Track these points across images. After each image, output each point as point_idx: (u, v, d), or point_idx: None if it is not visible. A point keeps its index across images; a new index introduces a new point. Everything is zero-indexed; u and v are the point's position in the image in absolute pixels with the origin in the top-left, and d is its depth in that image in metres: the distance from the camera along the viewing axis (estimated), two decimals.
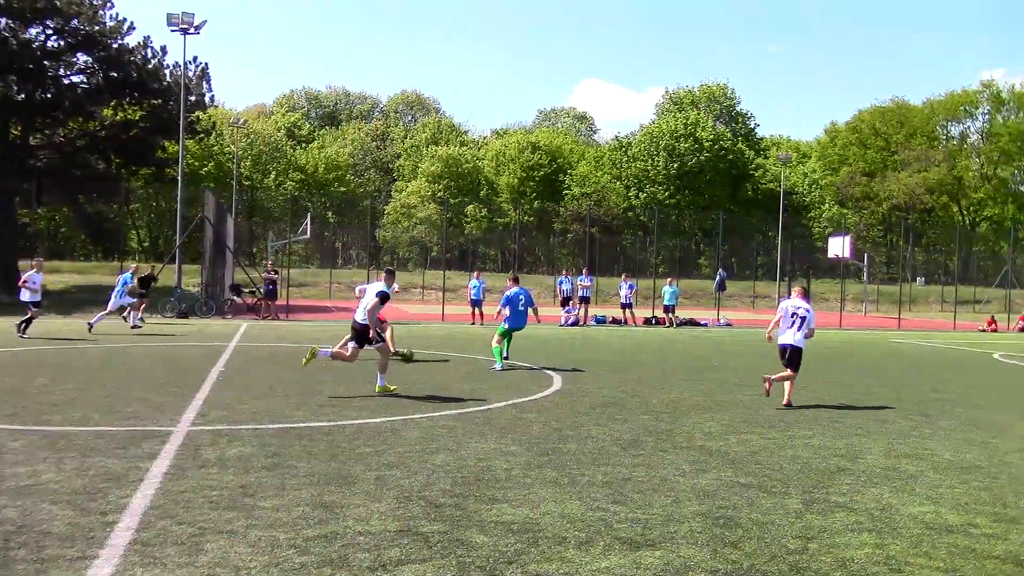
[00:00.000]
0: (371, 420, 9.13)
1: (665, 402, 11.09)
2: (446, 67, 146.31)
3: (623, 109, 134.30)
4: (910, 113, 79.78)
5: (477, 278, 28.41)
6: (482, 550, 5.09)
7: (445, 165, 73.40)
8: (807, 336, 11.07)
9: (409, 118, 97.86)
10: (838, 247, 42.97)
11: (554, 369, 14.54)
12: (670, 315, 29.13)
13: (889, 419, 10.27)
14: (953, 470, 7.54)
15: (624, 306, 29.77)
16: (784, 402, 11.02)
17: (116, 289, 21.18)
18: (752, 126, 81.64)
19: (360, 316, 10.85)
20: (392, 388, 10.98)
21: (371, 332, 10.82)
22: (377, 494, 6.20)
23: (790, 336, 11.16)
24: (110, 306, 20.97)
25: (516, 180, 73.58)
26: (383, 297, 10.74)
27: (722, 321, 32.23)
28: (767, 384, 11.20)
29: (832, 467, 7.48)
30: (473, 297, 27.68)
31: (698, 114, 73.21)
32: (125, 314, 22.23)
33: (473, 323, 26.87)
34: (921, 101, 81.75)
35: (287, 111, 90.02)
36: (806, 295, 11.51)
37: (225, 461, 7.03)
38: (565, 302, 29.27)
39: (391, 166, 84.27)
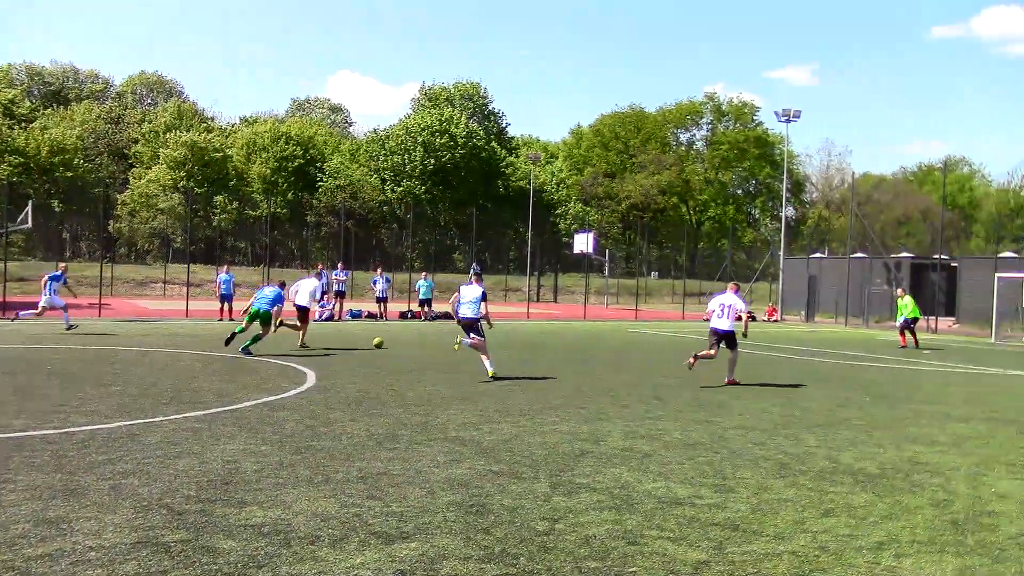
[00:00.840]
0: (104, 426, 8.40)
1: (420, 395, 11.18)
2: (190, 49, 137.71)
3: (379, 103, 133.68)
4: (646, 120, 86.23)
5: (226, 272, 27.06)
6: (230, 556, 4.84)
7: (190, 152, 69.09)
8: (737, 319, 13.56)
9: (149, 101, 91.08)
10: (583, 243, 45.54)
11: (308, 365, 14.18)
12: (425, 309, 29.39)
13: (628, 403, 11.03)
14: (681, 447, 8.23)
15: (379, 300, 29.66)
16: (728, 380, 13.48)
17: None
18: (504, 125, 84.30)
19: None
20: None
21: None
22: (111, 505, 5.71)
23: (723, 323, 13.56)
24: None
25: (268, 170, 70.89)
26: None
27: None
28: (692, 360, 13.61)
29: (577, 451, 7.90)
30: (222, 292, 26.34)
31: (452, 111, 74.41)
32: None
33: (221, 319, 25.57)
34: (655, 109, 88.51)
35: (3, 86, 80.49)
36: (737, 290, 14.12)
37: None
38: (320, 297, 28.66)
39: (127, 151, 77.98)
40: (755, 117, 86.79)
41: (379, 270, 30.95)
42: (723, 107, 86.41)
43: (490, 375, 13.03)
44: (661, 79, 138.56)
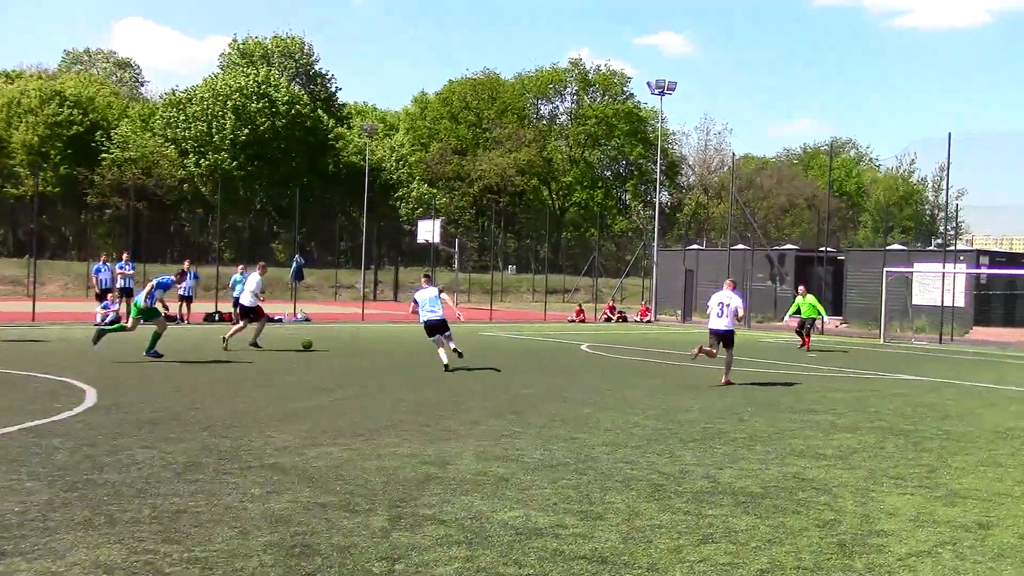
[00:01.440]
0: None
1: (231, 413, 10.87)
2: None
3: (178, 58, 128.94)
4: (502, 88, 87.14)
5: None
6: None
7: None
8: (737, 318, 15.86)
9: None
10: (428, 231, 45.57)
11: (87, 379, 13.51)
12: (238, 310, 28.61)
13: (480, 419, 11.11)
14: (543, 469, 8.36)
15: (183, 299, 28.62)
16: (723, 381, 15.57)
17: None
18: (333, 90, 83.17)
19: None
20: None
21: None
22: None
23: (722, 322, 15.75)
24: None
25: (36, 138, 66.94)
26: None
27: (299, 316, 32.46)
28: (696, 351, 15.82)
29: (421, 476, 7.88)
30: None
31: (270, 71, 72.69)
32: None
33: None
34: (512, 76, 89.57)
35: None
36: (735, 286, 16.50)
37: None
38: (103, 295, 27.38)
39: None
40: (625, 88, 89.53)
41: (186, 263, 29.88)
42: (589, 76, 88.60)
43: (446, 363, 16.42)
44: (519, 42, 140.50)
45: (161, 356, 16.88)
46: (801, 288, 27.80)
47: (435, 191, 75.61)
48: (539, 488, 7.63)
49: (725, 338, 15.88)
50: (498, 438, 9.87)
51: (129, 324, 17.70)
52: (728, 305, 15.84)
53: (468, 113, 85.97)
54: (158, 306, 17.32)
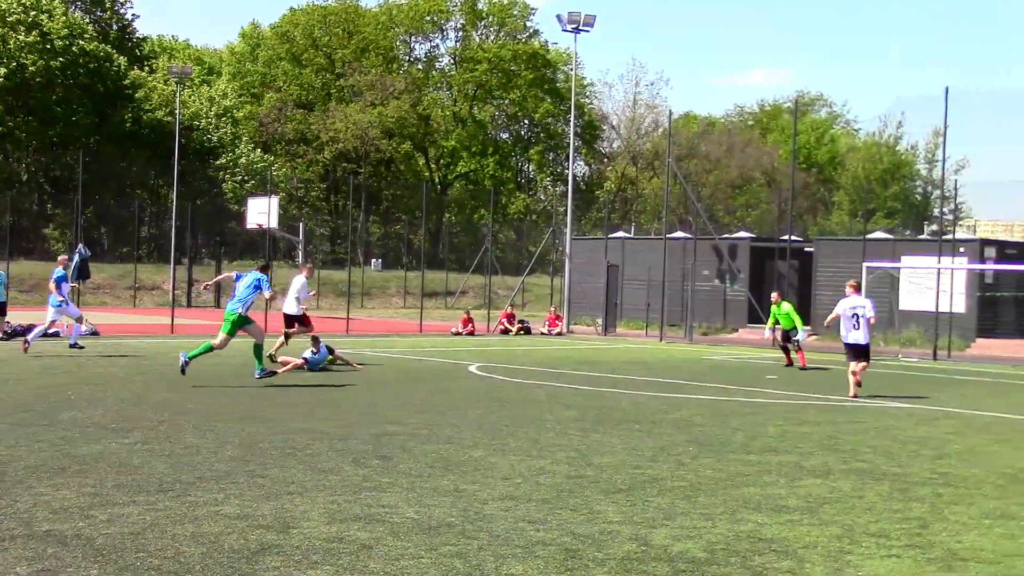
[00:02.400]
0: None
1: None
2: None
3: None
4: (362, 20, 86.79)
5: None
6: None
7: None
8: (870, 324, 20.00)
9: None
10: (261, 213, 45.05)
11: None
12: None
13: (333, 467, 11.03)
14: (418, 533, 8.34)
15: None
16: (852, 394, 19.79)
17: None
18: (129, 19, 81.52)
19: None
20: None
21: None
22: None
23: (860, 335, 19.92)
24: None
25: None
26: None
27: (85, 327, 31.71)
28: (853, 389, 19.96)
29: (253, 546, 7.79)
30: None
31: None
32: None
33: None
34: (376, 3, 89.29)
35: None
36: (858, 289, 20.50)
37: None
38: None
39: None
40: (528, 23, 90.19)
41: None
42: (480, 4, 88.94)
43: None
44: None
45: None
46: (775, 295, 28.52)
47: (271, 158, 74.82)
48: (413, 558, 7.61)
49: (865, 353, 20.16)
50: (358, 491, 9.82)
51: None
52: (863, 316, 19.89)
53: (316, 53, 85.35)
54: None
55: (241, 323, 19.30)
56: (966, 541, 8.66)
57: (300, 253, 52.44)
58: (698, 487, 10.58)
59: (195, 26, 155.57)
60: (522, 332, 40.03)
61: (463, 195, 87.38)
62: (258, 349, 19.41)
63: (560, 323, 41.62)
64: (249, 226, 47.92)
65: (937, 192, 54.18)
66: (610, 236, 46.85)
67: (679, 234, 47.82)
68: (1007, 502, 10.37)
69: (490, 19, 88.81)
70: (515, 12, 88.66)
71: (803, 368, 26.57)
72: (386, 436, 13.31)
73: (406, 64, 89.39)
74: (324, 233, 75.93)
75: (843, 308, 20.07)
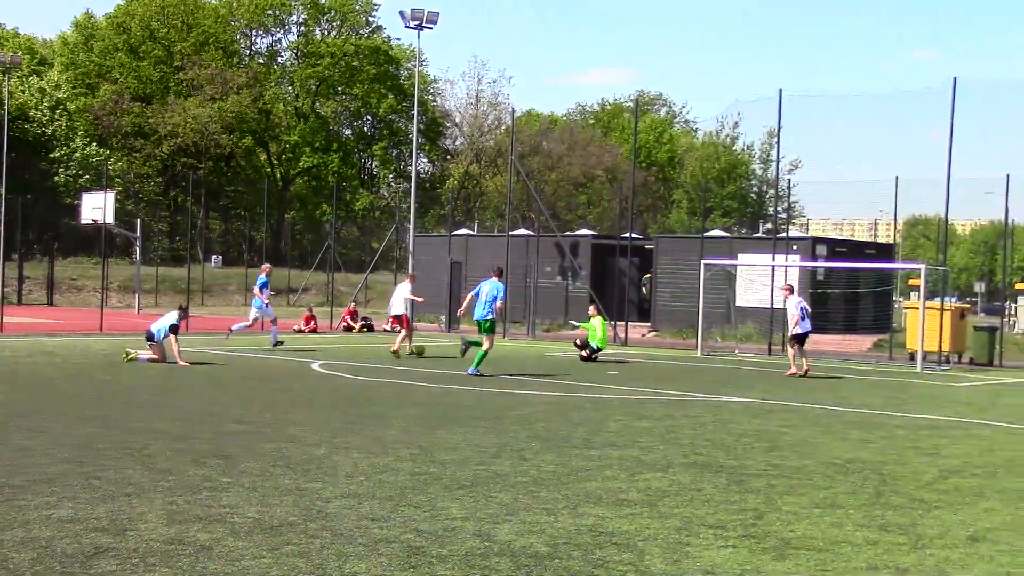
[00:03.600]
0: None
1: None
2: None
3: None
4: (201, 12, 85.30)
5: None
6: None
7: None
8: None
9: None
10: (97, 208, 43.97)
11: None
12: None
13: (172, 467, 10.84)
14: (259, 532, 8.25)
15: None
16: (803, 371, 25.60)
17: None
18: None
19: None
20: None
21: None
22: None
23: (807, 326, 26.17)
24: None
25: None
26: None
27: None
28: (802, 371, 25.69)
29: (88, 549, 7.61)
30: None
31: None
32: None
33: None
34: None
35: None
36: (792, 290, 27.21)
37: None
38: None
39: None
40: (372, 19, 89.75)
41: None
42: (322, 1, 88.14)
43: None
44: None
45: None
46: (591, 308, 29.37)
47: (107, 152, 72.96)
48: (255, 558, 7.53)
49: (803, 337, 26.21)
50: (197, 492, 9.67)
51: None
52: (806, 307, 26.67)
53: (154, 45, 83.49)
54: None
55: (492, 328, 23.65)
56: (798, 530, 8.93)
57: (137, 249, 51.27)
58: (541, 482, 10.68)
59: (24, 14, 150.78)
60: (365, 329, 39.88)
61: (306, 191, 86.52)
62: (483, 353, 23.01)
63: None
64: (84, 221, 46.71)
65: (772, 191, 55.63)
66: (453, 233, 47.00)
67: (522, 231, 48.23)
68: (835, 492, 10.71)
69: (332, 14, 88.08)
70: (357, 7, 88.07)
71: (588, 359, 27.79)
72: (227, 435, 13.15)
73: (247, 58, 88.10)
74: (163, 229, 74.38)
75: (794, 306, 26.00)
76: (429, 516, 9.02)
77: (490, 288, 23.24)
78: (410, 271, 32.00)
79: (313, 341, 34.01)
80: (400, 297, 29.12)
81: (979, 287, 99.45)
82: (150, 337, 23.33)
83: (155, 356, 23.06)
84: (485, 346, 23.06)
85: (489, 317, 23.23)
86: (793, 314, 25.96)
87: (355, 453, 12.12)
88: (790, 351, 26.82)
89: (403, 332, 27.99)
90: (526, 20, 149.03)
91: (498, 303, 23.21)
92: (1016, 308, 58.76)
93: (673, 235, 53.16)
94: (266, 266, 32.03)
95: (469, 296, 24.26)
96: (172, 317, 23.63)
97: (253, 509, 9.08)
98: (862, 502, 10.23)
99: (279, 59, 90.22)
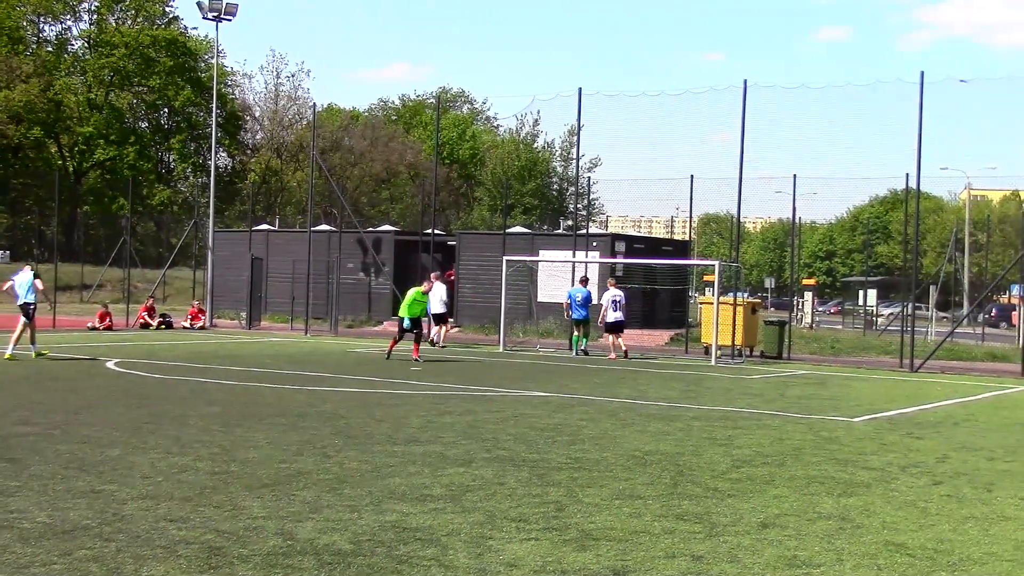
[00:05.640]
0: None
1: None
2: None
3: None
4: None
5: None
6: None
7: None
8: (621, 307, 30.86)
9: None
10: None
11: None
12: None
13: None
14: (51, 537, 8.00)
15: None
16: (612, 356, 29.66)
17: None
18: None
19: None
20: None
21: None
22: None
23: (619, 316, 30.76)
24: None
25: None
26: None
27: None
28: (615, 343, 30.24)
29: None
30: None
31: None
32: None
33: None
34: None
35: None
36: (617, 284, 31.96)
37: None
38: None
39: None
40: (168, 8, 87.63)
41: None
42: None
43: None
44: None
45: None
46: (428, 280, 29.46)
47: None
48: (45, 564, 7.31)
49: (620, 327, 30.81)
50: None
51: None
52: (620, 300, 30.93)
53: None
54: None
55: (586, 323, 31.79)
56: (598, 521, 9.11)
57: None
58: (343, 479, 10.64)
59: None
60: (163, 326, 39.03)
61: (100, 185, 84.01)
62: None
63: (203, 317, 40.84)
64: None
65: (572, 189, 56.41)
66: (254, 228, 46.34)
67: (324, 227, 47.87)
68: (634, 483, 10.97)
69: (127, 2, 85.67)
70: None
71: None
72: (14, 438, 12.71)
73: (34, 46, 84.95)
74: None
75: (607, 299, 30.87)
76: (230, 516, 8.90)
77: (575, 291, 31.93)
78: (439, 274, 34.36)
79: (108, 339, 33.06)
80: (438, 299, 32.50)
81: (769, 283, 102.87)
82: None
83: None
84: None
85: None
86: (604, 305, 30.97)
87: (152, 453, 11.86)
88: (609, 339, 30.83)
89: (444, 329, 33.06)
90: (326, 13, 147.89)
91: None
92: (803, 303, 61.23)
93: (476, 231, 53.46)
94: (448, 272, 35.52)
95: (566, 303, 32.42)
96: None
97: (44, 513, 8.81)
98: (660, 492, 10.49)
99: (70, 48, 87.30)
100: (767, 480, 11.35)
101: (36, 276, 25.87)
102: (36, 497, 9.42)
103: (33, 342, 25.06)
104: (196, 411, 15.85)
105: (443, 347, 32.24)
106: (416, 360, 26.40)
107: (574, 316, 31.69)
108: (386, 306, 42.44)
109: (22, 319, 25.24)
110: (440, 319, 33.16)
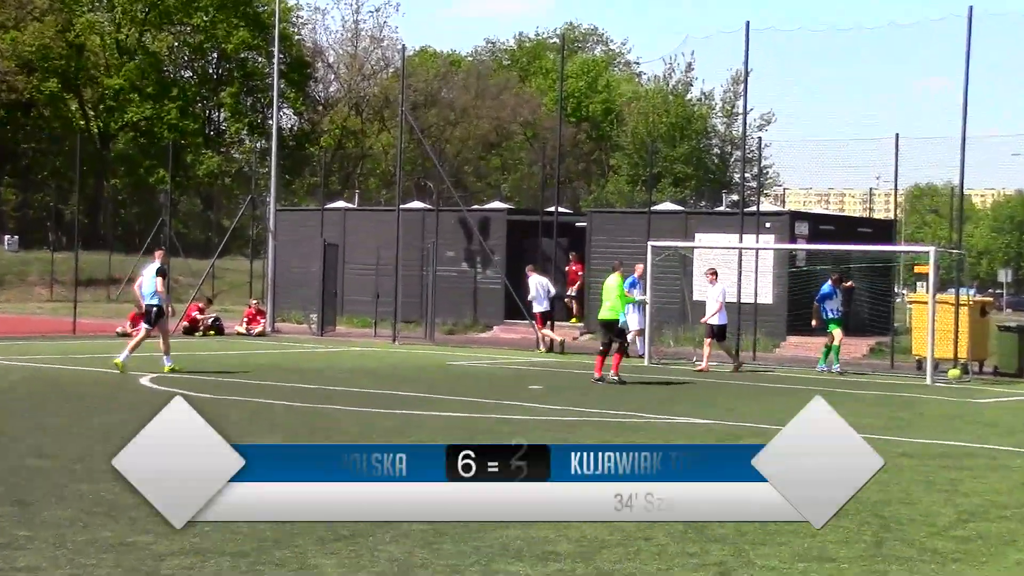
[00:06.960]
0: None
1: None
2: None
3: None
4: None
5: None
6: None
7: None
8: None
9: None
10: None
11: None
12: None
13: None
14: None
15: None
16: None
17: None
18: None
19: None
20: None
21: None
22: None
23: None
24: None
25: None
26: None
27: None
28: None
29: None
30: None
31: None
32: None
33: None
34: None
35: None
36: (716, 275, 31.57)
37: None
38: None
39: None
40: None
41: None
42: None
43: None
44: None
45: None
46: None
47: None
48: None
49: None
50: None
51: None
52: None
53: None
54: None
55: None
56: None
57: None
58: (442, 531, 10.57)
59: None
60: (212, 332, 39.42)
61: (133, 151, 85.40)
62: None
63: (262, 320, 41.15)
64: None
65: (737, 154, 55.92)
66: (327, 207, 46.63)
67: (416, 204, 47.96)
68: (824, 540, 10.67)
69: None
70: None
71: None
72: (25, 472, 12.93)
73: None
74: None
75: (717, 295, 30.85)
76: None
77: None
78: (533, 266, 37.75)
79: (142, 348, 33.59)
80: (543, 296, 36.48)
81: (1005, 275, 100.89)
82: None
83: None
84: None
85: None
86: (718, 300, 30.86)
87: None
88: (705, 345, 31.30)
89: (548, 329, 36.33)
90: None
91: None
92: None
93: (612, 209, 53.29)
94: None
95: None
96: None
97: (60, 572, 8.91)
98: (858, 553, 10.25)
99: None
100: (1006, 540, 11.02)
101: (159, 272, 26.12)
102: (51, 551, 9.52)
103: (166, 353, 25.45)
104: (254, 439, 15.95)
105: (560, 352, 35.30)
106: (617, 378, 25.86)
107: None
108: (497, 307, 42.22)
109: (143, 324, 26.15)
110: (547, 318, 36.63)
